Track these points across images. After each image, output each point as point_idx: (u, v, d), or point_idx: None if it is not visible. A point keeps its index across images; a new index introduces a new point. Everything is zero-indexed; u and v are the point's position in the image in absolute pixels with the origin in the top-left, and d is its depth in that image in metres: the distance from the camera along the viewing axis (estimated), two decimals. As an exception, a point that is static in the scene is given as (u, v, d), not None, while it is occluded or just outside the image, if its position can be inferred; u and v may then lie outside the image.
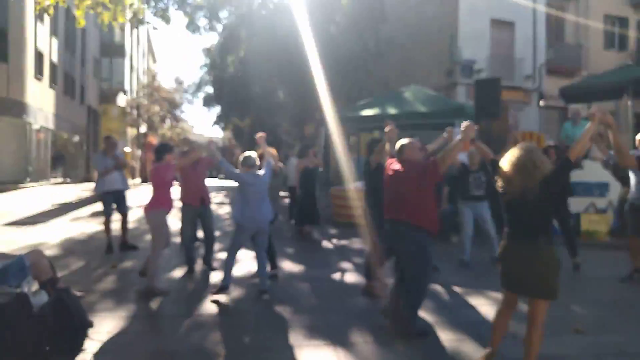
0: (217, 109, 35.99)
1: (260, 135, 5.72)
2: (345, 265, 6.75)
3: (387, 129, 4.63)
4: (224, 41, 28.92)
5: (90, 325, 3.83)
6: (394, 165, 4.13)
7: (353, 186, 10.76)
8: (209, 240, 6.40)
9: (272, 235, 5.73)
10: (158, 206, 5.29)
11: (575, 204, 7.99)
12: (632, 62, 16.17)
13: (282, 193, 10.46)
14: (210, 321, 4.43)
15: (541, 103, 19.57)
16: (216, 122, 36.23)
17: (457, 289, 5.48)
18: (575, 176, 7.68)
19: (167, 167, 5.37)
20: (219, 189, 21.07)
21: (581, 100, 12.09)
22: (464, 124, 3.57)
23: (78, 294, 4.51)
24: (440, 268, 5.96)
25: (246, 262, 6.29)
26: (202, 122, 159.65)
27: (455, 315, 4.60)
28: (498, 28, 21.13)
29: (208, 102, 35.50)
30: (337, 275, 6.20)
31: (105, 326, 4.13)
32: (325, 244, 8.23)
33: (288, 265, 6.63)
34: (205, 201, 6.30)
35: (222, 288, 5.06)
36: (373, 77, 22.73)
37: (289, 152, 11.25)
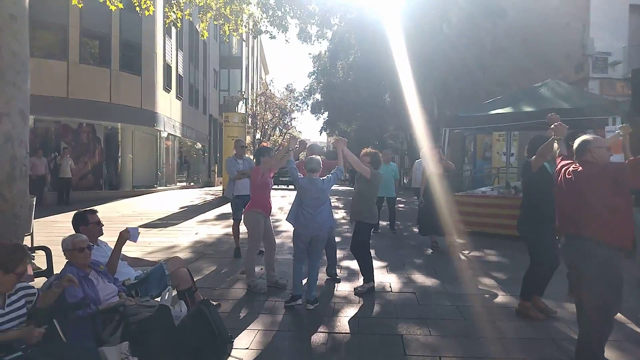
0: (324, 116, 36.48)
1: (338, 139, 5.45)
2: (486, 280, 6.04)
3: (554, 124, 3.92)
4: (334, 47, 29.24)
5: (230, 340, 3.66)
6: (572, 167, 3.40)
7: (480, 191, 9.96)
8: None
9: (373, 244, 5.73)
10: (252, 207, 5.54)
11: None
12: None
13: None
14: (348, 341, 4.08)
15: None
16: (323, 128, 36.66)
17: None
18: None
19: (258, 169, 5.58)
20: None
21: None
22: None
23: (214, 303, 4.42)
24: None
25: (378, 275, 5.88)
26: (310, 129, 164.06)
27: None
28: (638, 14, 18.65)
29: (316, 108, 36.12)
30: (480, 293, 5.51)
31: (242, 341, 3.97)
32: (455, 255, 7.54)
33: (420, 279, 6.10)
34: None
35: (293, 298, 4.91)
36: (489, 75, 21.36)
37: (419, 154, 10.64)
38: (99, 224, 4.18)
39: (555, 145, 3.88)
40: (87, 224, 4.11)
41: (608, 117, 8.00)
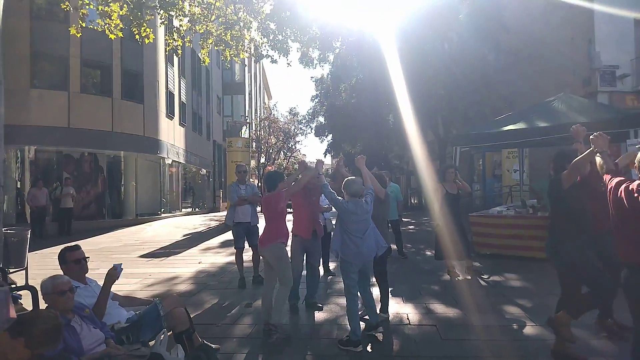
0: (328, 138, 36.34)
1: (359, 157, 5.08)
2: (511, 309, 5.56)
3: (593, 135, 3.51)
4: (336, 70, 29.23)
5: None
6: (631, 186, 2.88)
7: (496, 211, 9.51)
8: (313, 277, 5.84)
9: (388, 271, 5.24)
10: (275, 239, 4.85)
11: None
12: None
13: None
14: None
15: None
16: (328, 151, 36.47)
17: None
18: None
19: (279, 195, 4.90)
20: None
21: None
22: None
23: (213, 346, 3.99)
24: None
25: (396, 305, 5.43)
26: (314, 152, 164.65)
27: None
28: (645, 27, 18.47)
29: (320, 131, 36.01)
30: (507, 324, 5.03)
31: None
32: (475, 281, 7.07)
33: (440, 309, 5.63)
34: (317, 232, 5.75)
35: (353, 343, 4.34)
36: (495, 92, 21.10)
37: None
38: (79, 262, 3.77)
39: (599, 159, 3.46)
40: (66, 263, 3.72)
41: (629, 129, 7.60)
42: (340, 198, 4.63)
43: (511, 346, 4.34)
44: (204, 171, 30.10)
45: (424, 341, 4.52)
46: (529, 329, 4.80)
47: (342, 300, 6.03)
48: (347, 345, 4.36)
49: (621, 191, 2.95)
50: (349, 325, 4.47)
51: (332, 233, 7.79)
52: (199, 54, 14.36)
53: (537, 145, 11.12)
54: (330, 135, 34.69)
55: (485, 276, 7.27)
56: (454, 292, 6.46)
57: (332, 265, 8.08)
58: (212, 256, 10.05)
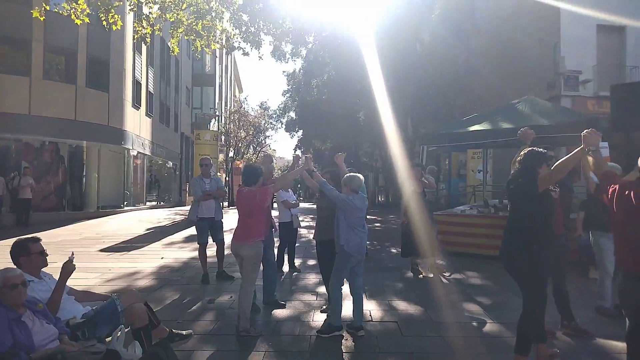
0: (298, 134, 36.28)
1: (339, 155, 5.22)
2: (471, 306, 5.68)
3: (585, 131, 3.24)
4: (308, 65, 29.17)
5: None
6: (635, 191, 2.76)
7: (460, 210, 9.69)
8: (271, 273, 5.80)
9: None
10: (257, 236, 4.68)
11: None
12: None
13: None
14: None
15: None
16: (298, 147, 36.40)
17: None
18: None
19: (267, 191, 4.75)
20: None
21: None
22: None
23: (184, 333, 4.09)
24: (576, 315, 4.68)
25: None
26: (284, 147, 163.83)
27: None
28: (606, 34, 19.11)
29: (291, 127, 35.91)
30: (467, 321, 5.13)
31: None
32: (436, 278, 7.18)
33: (402, 306, 5.69)
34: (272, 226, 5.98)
35: (334, 328, 4.50)
36: (465, 92, 21.49)
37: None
38: (42, 254, 3.66)
39: (590, 159, 3.31)
40: (29, 254, 3.59)
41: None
42: (342, 194, 4.63)
43: (469, 343, 4.44)
44: (170, 164, 29.54)
45: (384, 337, 4.57)
46: (488, 326, 4.91)
47: (307, 297, 6.07)
48: (330, 332, 4.46)
49: (631, 197, 2.83)
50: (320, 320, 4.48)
51: (298, 229, 7.81)
52: (169, 43, 14.06)
53: (501, 146, 11.38)
54: (301, 131, 34.64)
55: (447, 274, 7.40)
56: (417, 289, 6.55)
57: (297, 262, 8.07)
58: (176, 251, 9.88)
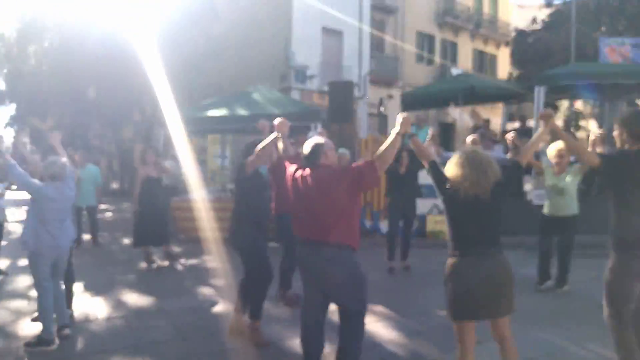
0: (11, 109, 30.55)
1: (53, 134, 4.59)
2: (205, 290, 5.72)
3: (278, 122, 3.71)
4: (25, 28, 24.64)
5: None
6: (308, 171, 3.12)
7: (199, 195, 9.67)
8: None
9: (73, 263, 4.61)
10: None
11: (422, 205, 8.21)
12: (463, 72, 17.88)
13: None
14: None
15: (381, 109, 20.63)
16: (9, 124, 30.72)
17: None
18: (422, 178, 7.81)
19: None
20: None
21: (417, 107, 12.78)
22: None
23: None
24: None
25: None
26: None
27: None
28: (329, 36, 21.68)
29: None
30: (199, 305, 5.14)
31: None
32: (170, 266, 7.00)
33: (132, 299, 5.34)
34: None
35: (46, 341, 3.81)
36: (204, 76, 21.43)
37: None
38: None
39: (280, 144, 3.71)
40: None
41: (311, 123, 8.82)
42: (36, 181, 3.90)
43: (200, 325, 4.47)
44: None
45: (110, 335, 4.25)
46: (220, 307, 5.04)
47: (14, 304, 5.14)
48: (39, 345, 3.78)
49: (299, 177, 3.18)
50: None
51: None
52: None
53: (238, 132, 11.82)
54: (14, 104, 29.24)
55: (183, 260, 7.30)
56: (151, 280, 6.28)
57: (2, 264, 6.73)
58: None
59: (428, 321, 4.53)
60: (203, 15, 20.78)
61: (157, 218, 6.88)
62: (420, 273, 6.50)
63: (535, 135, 3.05)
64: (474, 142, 6.32)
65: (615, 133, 3.09)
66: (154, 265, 6.97)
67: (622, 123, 3.06)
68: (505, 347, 2.79)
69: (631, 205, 2.92)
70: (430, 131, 5.39)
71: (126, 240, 8.86)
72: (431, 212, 9.25)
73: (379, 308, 4.90)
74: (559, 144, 5.06)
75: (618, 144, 3.10)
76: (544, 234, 5.53)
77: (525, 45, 22.20)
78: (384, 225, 9.22)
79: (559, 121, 14.62)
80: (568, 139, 3.28)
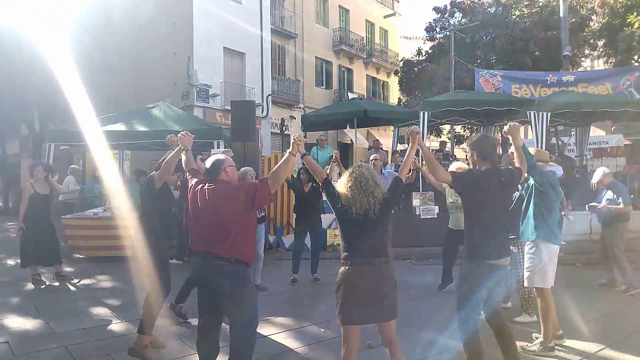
0: None
1: None
2: (100, 310, 5.50)
3: (181, 135, 3.85)
4: None
5: None
6: (207, 186, 3.24)
7: (92, 213, 9.26)
8: None
9: None
10: None
11: (323, 220, 8.59)
12: (357, 97, 18.89)
13: None
14: None
15: (284, 129, 21.09)
16: None
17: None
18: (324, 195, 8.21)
19: None
20: None
21: (316, 128, 13.29)
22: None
23: None
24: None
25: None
26: None
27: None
28: (231, 57, 21.76)
29: None
30: (93, 325, 4.94)
31: None
32: (64, 286, 6.62)
33: (17, 323, 5.00)
34: None
35: None
36: (100, 91, 20.34)
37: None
38: None
39: (184, 157, 3.76)
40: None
41: (214, 140, 8.86)
42: None
43: (95, 346, 4.34)
44: None
45: (-8, 362, 3.95)
46: (115, 326, 4.92)
47: None
48: None
49: (197, 191, 3.30)
50: None
51: None
52: None
53: (137, 148, 11.46)
54: None
55: (75, 280, 6.94)
56: (39, 301, 5.90)
57: None
58: None
59: (329, 329, 4.76)
60: (98, 27, 19.81)
61: (45, 236, 6.54)
62: (321, 283, 6.81)
63: (407, 153, 3.43)
64: (375, 160, 7.23)
65: (468, 155, 3.64)
66: (43, 286, 6.55)
67: (472, 146, 3.59)
68: (393, 350, 3.10)
69: (480, 219, 3.44)
70: (335, 153, 5.69)
71: (11, 262, 8.20)
72: (331, 226, 9.71)
73: (282, 319, 5.13)
74: (458, 164, 5.59)
75: (470, 164, 3.65)
76: (449, 244, 6.21)
77: (411, 74, 24.19)
78: (287, 240, 9.54)
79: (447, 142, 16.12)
80: (428, 155, 3.65)
